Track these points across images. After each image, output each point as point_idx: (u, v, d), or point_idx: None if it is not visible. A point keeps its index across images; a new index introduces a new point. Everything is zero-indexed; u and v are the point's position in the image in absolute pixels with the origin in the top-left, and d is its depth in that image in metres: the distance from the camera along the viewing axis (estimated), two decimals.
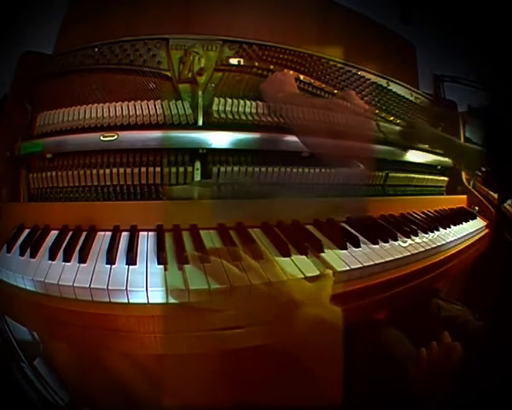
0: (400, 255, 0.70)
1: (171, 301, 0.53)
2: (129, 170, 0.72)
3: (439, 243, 0.78)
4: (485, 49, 0.79)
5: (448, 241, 0.80)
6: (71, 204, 0.74)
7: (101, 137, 0.72)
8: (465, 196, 1.00)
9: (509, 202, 0.92)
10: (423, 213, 0.89)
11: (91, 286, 0.53)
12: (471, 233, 0.88)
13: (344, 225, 0.76)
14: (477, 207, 0.98)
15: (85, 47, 0.78)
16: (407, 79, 0.98)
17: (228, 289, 0.53)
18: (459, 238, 0.84)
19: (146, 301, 0.53)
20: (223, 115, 0.76)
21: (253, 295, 0.54)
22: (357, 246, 0.68)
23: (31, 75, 0.79)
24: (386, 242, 0.72)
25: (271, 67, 0.82)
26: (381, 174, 0.89)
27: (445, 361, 0.51)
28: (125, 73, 0.77)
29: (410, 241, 0.75)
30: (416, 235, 0.77)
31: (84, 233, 0.66)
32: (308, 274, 0.58)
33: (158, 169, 0.73)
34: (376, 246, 0.70)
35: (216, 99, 0.77)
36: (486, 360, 0.46)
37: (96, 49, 0.78)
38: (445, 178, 1.02)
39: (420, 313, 0.77)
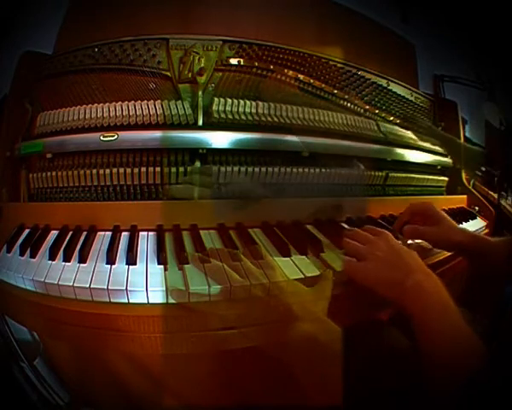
0: None
1: (171, 301, 0.53)
2: (129, 170, 0.72)
3: None
4: (485, 48, 0.79)
5: None
6: (71, 204, 0.74)
7: (101, 137, 0.72)
8: (465, 196, 1.00)
9: (508, 201, 0.92)
10: None
11: (91, 286, 0.53)
12: None
13: (344, 225, 0.76)
14: (477, 207, 0.98)
15: (85, 47, 0.78)
16: (407, 79, 0.98)
17: (228, 289, 0.53)
18: None
19: (146, 301, 0.53)
20: (223, 115, 0.76)
21: (253, 297, 0.54)
22: None
23: (31, 75, 0.79)
24: None
25: (271, 67, 0.82)
26: (381, 174, 0.89)
27: None
28: (125, 73, 0.77)
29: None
30: None
31: (84, 233, 0.66)
32: (308, 274, 0.58)
33: (158, 169, 0.73)
34: None
35: (216, 99, 0.77)
36: (482, 371, 0.46)
37: (96, 49, 0.78)
38: (445, 178, 1.02)
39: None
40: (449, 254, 0.76)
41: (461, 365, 0.46)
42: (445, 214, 0.73)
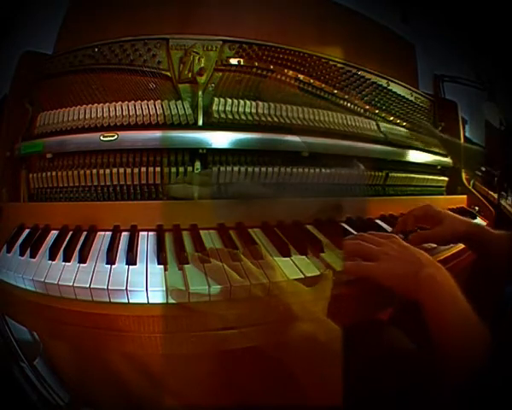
0: None
1: (171, 301, 0.53)
2: (129, 170, 0.72)
3: None
4: (485, 48, 0.79)
5: None
6: (71, 204, 0.74)
7: (101, 137, 0.71)
8: (465, 196, 1.00)
9: (508, 201, 0.92)
10: None
11: (91, 286, 0.53)
12: None
13: (344, 225, 0.76)
14: (477, 207, 0.98)
15: (85, 47, 0.78)
16: (407, 79, 0.98)
17: (228, 289, 0.53)
18: None
19: (146, 301, 0.53)
20: (223, 115, 0.76)
21: (253, 297, 0.54)
22: None
23: (31, 75, 0.79)
24: None
25: (271, 67, 0.82)
26: (381, 174, 0.89)
27: None
28: (125, 73, 0.77)
29: None
30: None
31: (84, 233, 0.66)
32: (308, 274, 0.58)
33: (158, 169, 0.73)
34: None
35: (216, 99, 0.77)
36: (488, 360, 0.46)
37: (96, 49, 0.78)
38: (445, 178, 1.02)
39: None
40: (450, 254, 0.76)
41: (470, 348, 0.50)
42: (446, 210, 0.75)
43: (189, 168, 0.73)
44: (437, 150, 0.99)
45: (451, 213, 0.74)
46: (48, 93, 0.79)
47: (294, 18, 0.85)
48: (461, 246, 0.77)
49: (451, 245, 0.77)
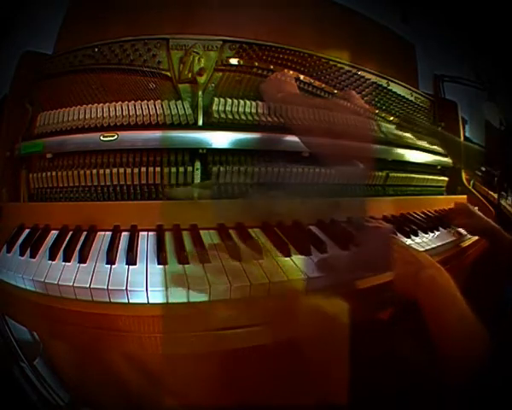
0: None
1: (171, 301, 0.53)
2: (129, 170, 0.72)
3: (439, 243, 0.78)
4: (485, 48, 0.79)
5: (448, 241, 0.80)
6: (71, 204, 0.74)
7: (101, 137, 0.71)
8: (465, 196, 1.00)
9: (508, 201, 0.92)
10: (423, 213, 0.89)
11: (91, 286, 0.53)
12: None
13: (344, 225, 0.76)
14: (477, 207, 0.98)
15: (85, 47, 0.78)
16: (407, 79, 0.98)
17: (228, 289, 0.53)
18: (459, 238, 0.84)
19: (146, 301, 0.53)
20: (223, 115, 0.76)
21: (253, 297, 0.54)
22: None
23: (31, 75, 0.79)
24: None
25: (271, 67, 0.82)
26: (382, 174, 0.89)
27: None
28: (125, 73, 0.77)
29: (410, 241, 0.75)
30: (416, 235, 0.77)
31: (84, 233, 0.66)
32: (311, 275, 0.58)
33: (158, 169, 0.73)
34: None
35: (216, 99, 0.77)
36: (487, 360, 0.46)
37: (96, 49, 0.78)
38: (445, 178, 1.02)
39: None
40: (450, 254, 0.77)
41: (469, 349, 0.51)
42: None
43: (189, 168, 0.73)
44: (437, 150, 0.99)
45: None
46: (48, 93, 0.79)
47: (294, 18, 0.85)
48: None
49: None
